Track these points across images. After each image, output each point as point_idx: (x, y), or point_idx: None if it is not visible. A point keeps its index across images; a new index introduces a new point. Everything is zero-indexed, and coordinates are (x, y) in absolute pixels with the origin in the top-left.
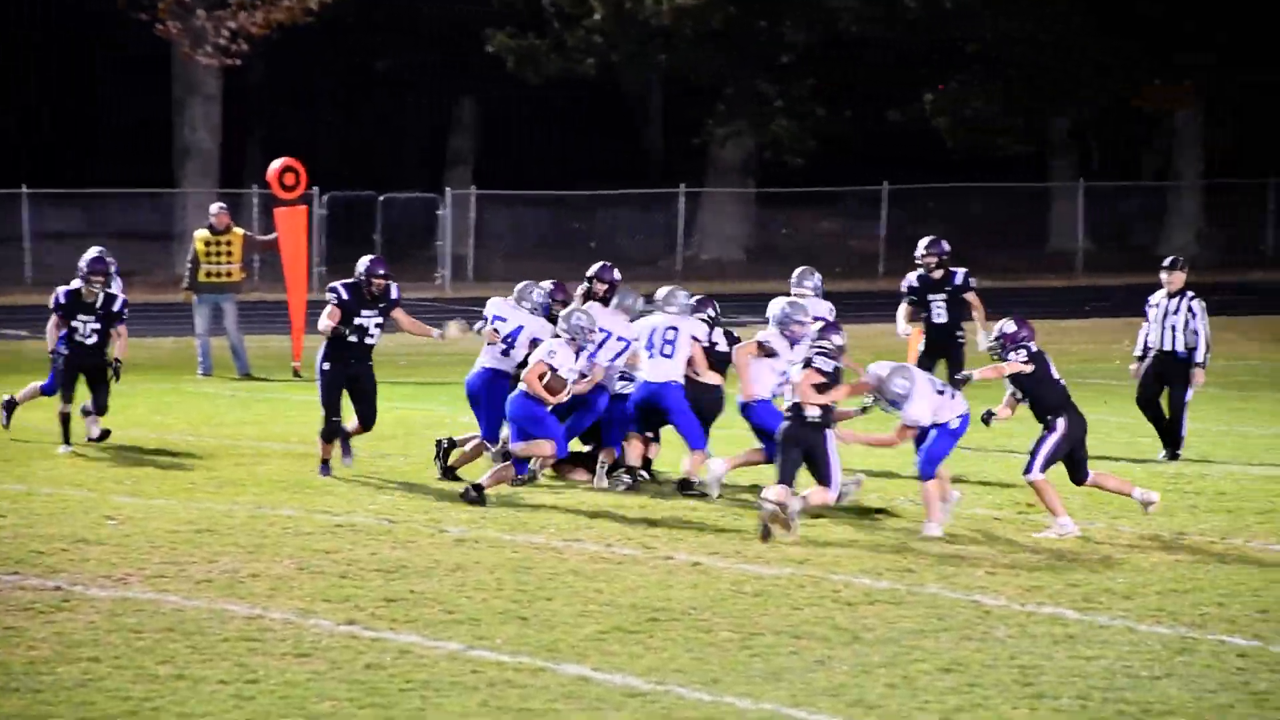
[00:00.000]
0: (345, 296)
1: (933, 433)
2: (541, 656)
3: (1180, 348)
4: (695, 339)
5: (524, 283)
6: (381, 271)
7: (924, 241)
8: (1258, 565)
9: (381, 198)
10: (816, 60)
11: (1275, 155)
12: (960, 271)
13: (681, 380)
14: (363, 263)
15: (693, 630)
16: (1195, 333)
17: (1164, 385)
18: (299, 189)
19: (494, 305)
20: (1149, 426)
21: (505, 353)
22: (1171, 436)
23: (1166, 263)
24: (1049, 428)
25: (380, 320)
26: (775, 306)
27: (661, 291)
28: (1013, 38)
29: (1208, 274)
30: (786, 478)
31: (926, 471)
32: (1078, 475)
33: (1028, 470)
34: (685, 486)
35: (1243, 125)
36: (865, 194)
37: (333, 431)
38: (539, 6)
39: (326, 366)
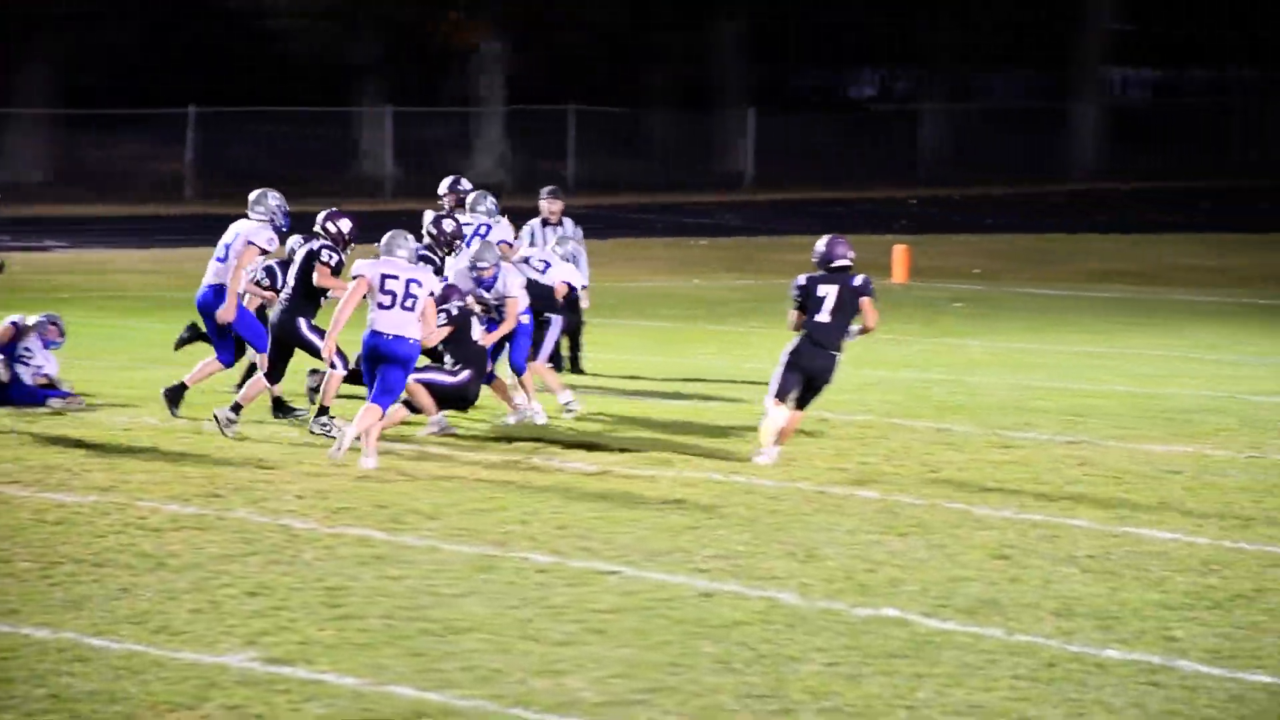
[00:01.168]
0: None
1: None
2: None
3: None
4: (251, 243)
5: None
6: None
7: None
8: (558, 484)
9: None
10: None
11: (576, 84)
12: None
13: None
14: None
15: None
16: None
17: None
18: None
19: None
20: None
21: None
22: (574, 356)
23: (545, 191)
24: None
25: None
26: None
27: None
28: None
29: (513, 199)
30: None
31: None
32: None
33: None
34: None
35: (545, 54)
36: (173, 116)
37: None
38: None
39: None
